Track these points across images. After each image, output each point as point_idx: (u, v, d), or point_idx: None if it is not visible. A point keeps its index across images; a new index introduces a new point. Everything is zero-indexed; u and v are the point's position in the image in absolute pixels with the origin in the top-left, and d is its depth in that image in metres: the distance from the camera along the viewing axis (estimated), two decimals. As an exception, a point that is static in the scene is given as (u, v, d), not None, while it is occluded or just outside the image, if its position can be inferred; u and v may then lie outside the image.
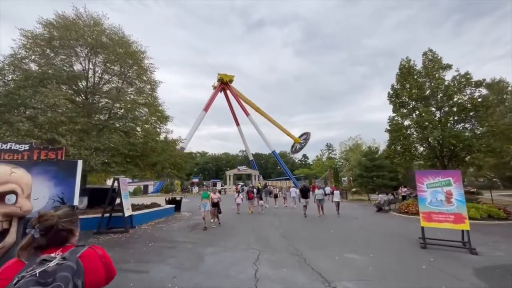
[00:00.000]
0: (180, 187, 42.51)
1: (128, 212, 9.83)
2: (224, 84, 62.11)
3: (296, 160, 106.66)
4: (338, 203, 13.16)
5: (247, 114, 61.61)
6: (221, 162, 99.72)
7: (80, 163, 7.19)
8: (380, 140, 39.69)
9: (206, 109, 57.71)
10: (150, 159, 12.33)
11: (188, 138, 53.89)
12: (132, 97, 13.06)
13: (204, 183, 60.05)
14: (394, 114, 15.67)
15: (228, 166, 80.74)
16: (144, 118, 13.37)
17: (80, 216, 9.43)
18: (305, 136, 66.46)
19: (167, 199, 16.97)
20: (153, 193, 44.59)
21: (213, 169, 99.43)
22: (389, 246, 6.85)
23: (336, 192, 13.88)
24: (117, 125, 12.23)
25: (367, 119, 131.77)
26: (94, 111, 11.87)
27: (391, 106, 16.16)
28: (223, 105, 67.41)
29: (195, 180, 53.48)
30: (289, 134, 66.03)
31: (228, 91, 64.30)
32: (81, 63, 11.76)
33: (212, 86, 65.38)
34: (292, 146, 68.60)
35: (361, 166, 35.21)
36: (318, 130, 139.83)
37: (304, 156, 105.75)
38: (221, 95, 64.15)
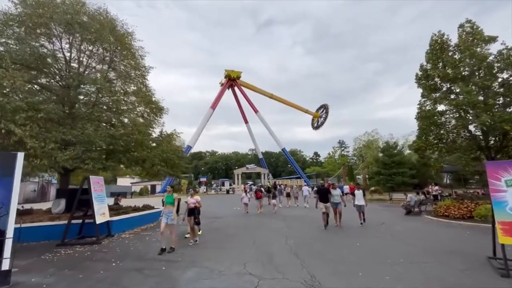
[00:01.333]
0: (186, 187, 40.98)
1: (103, 218, 8.05)
2: (231, 80, 60.33)
3: (307, 158, 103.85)
4: (361, 208, 9.44)
5: (255, 111, 59.63)
6: (231, 161, 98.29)
7: (20, 156, 5.41)
8: (397, 135, 36.80)
9: (213, 106, 56.10)
10: (137, 155, 10.56)
11: (196, 137, 52.51)
12: (116, 83, 11.32)
13: (213, 183, 58.62)
14: (424, 99, 13.23)
15: (238, 165, 79.05)
16: (131, 107, 11.65)
17: (49, 223, 7.67)
18: (323, 109, 63.30)
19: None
20: (160, 193, 43.34)
21: (222, 168, 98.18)
22: (446, 271, 4.66)
23: (359, 193, 9.68)
24: (104, 116, 10.50)
25: (379, 116, 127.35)
26: (74, 100, 10.17)
27: (419, 91, 13.71)
28: (233, 104, 65.77)
29: (203, 179, 52.03)
30: (307, 111, 64.24)
31: (235, 88, 62.59)
32: (53, 43, 10.08)
33: (220, 83, 63.81)
34: (313, 122, 65.97)
35: (379, 163, 32.56)
36: (329, 128, 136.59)
37: (315, 153, 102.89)
38: (229, 92, 62.61)
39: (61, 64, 10.27)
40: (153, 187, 50.70)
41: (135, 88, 11.93)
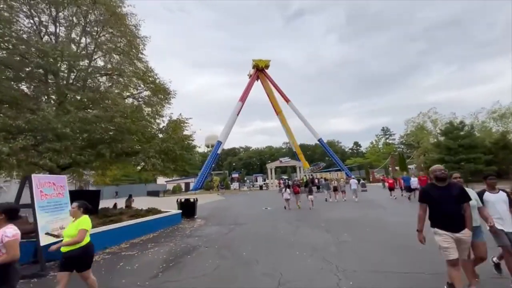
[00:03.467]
0: (218, 184, 39.14)
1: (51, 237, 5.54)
2: (259, 70, 57.14)
3: (346, 149, 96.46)
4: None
5: (287, 100, 55.71)
6: (265, 155, 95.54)
7: None
8: (459, 114, 29.82)
9: (242, 99, 53.59)
10: (125, 146, 8.01)
11: (226, 131, 50.57)
12: (95, 55, 8.93)
13: (246, 178, 56.40)
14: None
15: (272, 159, 75.90)
16: (121, 86, 9.22)
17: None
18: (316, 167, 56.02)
19: (179, 200, 12.79)
20: (192, 191, 42.28)
21: (257, 163, 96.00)
22: None
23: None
24: (78, 97, 8.15)
25: (426, 100, 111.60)
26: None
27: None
28: (265, 98, 62.57)
29: (235, 175, 50.04)
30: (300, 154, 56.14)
31: (265, 78, 59.22)
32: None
33: (248, 75, 61.14)
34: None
35: (441, 148, 26.62)
36: (368, 117, 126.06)
37: (356, 144, 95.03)
38: (259, 85, 59.43)
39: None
40: (187, 184, 50.10)
41: (121, 61, 9.43)
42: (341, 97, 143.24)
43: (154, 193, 40.72)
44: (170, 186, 50.49)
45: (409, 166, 37.95)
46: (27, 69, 7.09)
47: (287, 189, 14.24)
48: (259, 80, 60.52)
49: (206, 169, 45.27)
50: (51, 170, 6.93)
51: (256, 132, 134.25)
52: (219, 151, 52.44)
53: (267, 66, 57.11)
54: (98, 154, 7.48)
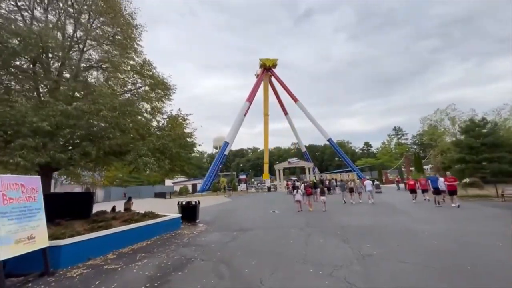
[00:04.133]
0: (225, 185, 38.24)
1: (24, 246, 4.69)
2: (267, 70, 56.12)
3: (356, 150, 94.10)
4: None
5: (295, 100, 54.43)
6: (273, 156, 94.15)
7: None
8: (478, 111, 27.77)
9: (249, 99, 52.70)
10: (114, 143, 7.14)
11: (233, 132, 49.73)
12: (81, 41, 8.13)
13: (253, 180, 55.35)
14: None
15: (280, 160, 74.57)
16: (111, 76, 8.41)
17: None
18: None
19: (179, 203, 11.89)
20: (199, 192, 41.51)
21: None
22: None
23: None
24: (62, 87, 7.34)
25: (439, 99, 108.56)
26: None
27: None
28: (275, 100, 61.57)
29: (242, 177, 49.09)
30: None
31: (272, 77, 58.18)
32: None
33: (255, 74, 60.31)
34: None
35: (462, 147, 24.86)
36: (380, 116, 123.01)
37: (366, 144, 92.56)
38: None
39: None
40: (194, 186, 49.44)
41: (115, 52, 8.62)
42: (351, 97, 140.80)
43: (161, 195, 40.13)
44: (177, 188, 49.92)
45: (424, 167, 36.00)
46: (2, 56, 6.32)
47: (299, 190, 13.50)
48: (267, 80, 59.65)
49: (213, 170, 44.54)
50: (28, 169, 6.11)
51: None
52: (226, 152, 51.71)
53: (274, 65, 56.03)
54: (84, 152, 6.62)
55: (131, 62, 9.36)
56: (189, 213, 11.24)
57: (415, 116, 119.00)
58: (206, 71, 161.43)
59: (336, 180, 28.68)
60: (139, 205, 23.71)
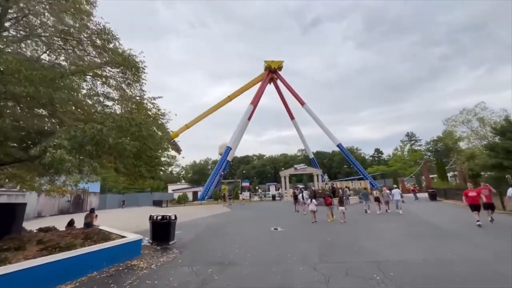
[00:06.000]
0: (226, 193, 35.19)
1: None
2: (272, 72, 53.67)
3: (367, 157, 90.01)
4: None
5: (302, 103, 51.60)
6: (279, 163, 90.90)
7: None
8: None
9: (253, 102, 50.19)
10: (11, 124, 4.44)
11: (236, 136, 47.05)
12: None
13: (258, 187, 52.11)
14: None
15: (286, 167, 71.32)
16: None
17: None
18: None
19: (151, 218, 8.98)
20: (199, 200, 38.59)
21: (271, 172, 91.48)
22: None
23: None
24: None
25: (451, 106, 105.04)
26: None
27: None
28: (281, 107, 58.93)
29: (245, 184, 45.96)
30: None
31: (278, 81, 55.67)
32: None
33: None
34: None
35: (497, 151, 21.38)
36: (389, 124, 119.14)
37: (377, 150, 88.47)
38: (274, 92, 55.66)
39: None
40: (195, 193, 46.46)
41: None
42: (360, 104, 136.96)
43: (159, 203, 37.31)
44: (177, 196, 47.10)
45: (447, 174, 32.26)
46: None
47: (313, 200, 12.20)
48: (271, 83, 57.17)
49: (213, 177, 41.72)
50: None
51: (272, 142, 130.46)
52: (229, 158, 48.96)
53: (280, 68, 53.56)
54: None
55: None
56: (161, 232, 8.40)
57: (425, 124, 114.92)
58: (214, 80, 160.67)
59: (349, 188, 25.42)
60: (121, 216, 20.02)
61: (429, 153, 72.85)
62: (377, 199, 14.59)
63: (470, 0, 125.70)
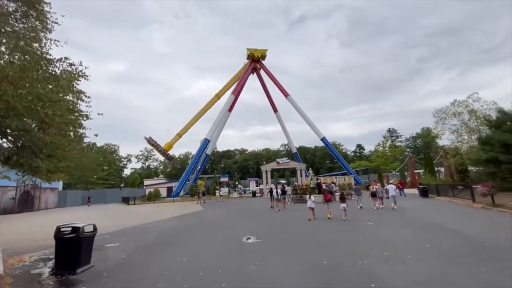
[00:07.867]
0: (203, 190, 31.92)
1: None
2: (255, 61, 50.57)
3: (349, 152, 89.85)
4: None
5: (286, 94, 49.03)
6: (261, 158, 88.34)
7: None
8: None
9: (234, 92, 47.03)
10: None
11: (215, 128, 43.66)
12: None
13: (238, 183, 49.22)
14: None
15: (269, 162, 68.83)
16: None
17: None
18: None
19: (58, 232, 5.85)
20: (172, 197, 35.03)
21: (253, 167, 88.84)
22: None
23: None
24: None
25: (426, 106, 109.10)
26: None
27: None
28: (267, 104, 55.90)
29: (224, 179, 42.92)
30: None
31: (261, 70, 52.74)
32: None
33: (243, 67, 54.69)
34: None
35: (495, 145, 19.98)
36: (369, 122, 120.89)
37: (359, 146, 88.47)
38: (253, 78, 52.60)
39: None
40: (170, 189, 42.59)
41: None
42: (343, 101, 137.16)
43: (128, 200, 33.38)
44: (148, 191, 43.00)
45: (436, 168, 31.12)
46: None
47: (311, 197, 11.82)
48: (254, 74, 54.13)
49: (189, 171, 38.32)
50: None
51: (256, 137, 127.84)
52: (208, 151, 45.63)
53: (263, 57, 50.58)
54: None
55: None
56: (67, 253, 5.36)
57: (403, 122, 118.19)
58: (199, 73, 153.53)
59: (335, 184, 23.28)
60: (48, 218, 15.89)
61: (408, 149, 73.78)
62: (373, 194, 14.38)
63: (450, 2, 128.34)
